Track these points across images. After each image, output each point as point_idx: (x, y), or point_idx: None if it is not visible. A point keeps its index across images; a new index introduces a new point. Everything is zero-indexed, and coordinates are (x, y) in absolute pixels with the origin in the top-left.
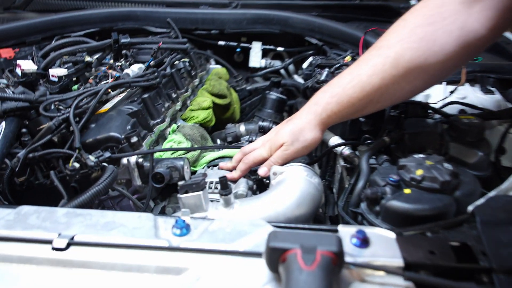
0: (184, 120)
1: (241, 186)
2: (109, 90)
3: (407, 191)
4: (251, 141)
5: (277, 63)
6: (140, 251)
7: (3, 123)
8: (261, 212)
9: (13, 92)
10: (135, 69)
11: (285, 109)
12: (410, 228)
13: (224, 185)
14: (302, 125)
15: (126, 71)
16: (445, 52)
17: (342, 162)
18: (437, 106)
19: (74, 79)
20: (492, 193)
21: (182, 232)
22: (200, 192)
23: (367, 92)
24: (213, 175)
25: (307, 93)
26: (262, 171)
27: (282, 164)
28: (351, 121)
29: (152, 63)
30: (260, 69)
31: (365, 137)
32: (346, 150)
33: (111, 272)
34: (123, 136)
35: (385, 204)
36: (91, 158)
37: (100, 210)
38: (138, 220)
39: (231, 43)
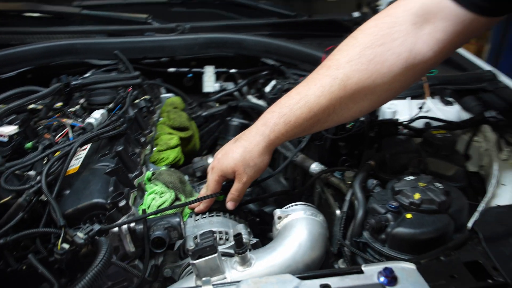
0: (153, 163)
1: (243, 234)
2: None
3: (408, 216)
4: None
5: (230, 86)
6: None
7: None
8: (280, 264)
9: None
10: (97, 116)
11: None
12: (425, 255)
13: (240, 243)
14: (251, 148)
15: (88, 120)
16: (392, 74)
17: (323, 188)
18: (402, 120)
19: None
20: (481, 206)
21: None
22: (215, 255)
23: (314, 113)
24: (206, 225)
25: None
26: (230, 205)
27: (243, 194)
28: (329, 145)
29: (111, 105)
30: (214, 93)
31: (344, 159)
32: (331, 176)
33: None
34: (109, 201)
35: (392, 232)
36: (80, 235)
37: None
38: None
39: (182, 69)
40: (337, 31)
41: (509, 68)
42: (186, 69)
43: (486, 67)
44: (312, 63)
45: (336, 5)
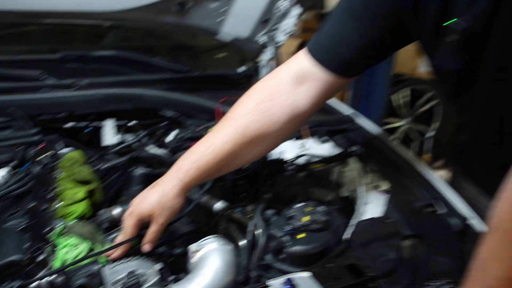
0: (61, 218)
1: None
2: None
3: (301, 235)
4: None
5: (130, 137)
6: None
7: None
8: None
9: None
10: (2, 174)
11: None
12: (316, 265)
13: (163, 276)
14: (167, 192)
15: None
16: (280, 124)
17: (227, 223)
18: (288, 158)
19: None
20: (353, 221)
21: None
22: None
23: (221, 158)
24: (124, 270)
25: None
26: (147, 247)
27: (159, 235)
28: (230, 185)
29: (14, 163)
30: (113, 145)
31: (244, 196)
32: (233, 213)
33: None
34: (27, 257)
35: (289, 251)
36: None
37: None
38: None
39: (80, 124)
40: (226, 84)
41: (366, 111)
42: (84, 124)
43: (349, 111)
44: (208, 113)
45: (222, 61)
